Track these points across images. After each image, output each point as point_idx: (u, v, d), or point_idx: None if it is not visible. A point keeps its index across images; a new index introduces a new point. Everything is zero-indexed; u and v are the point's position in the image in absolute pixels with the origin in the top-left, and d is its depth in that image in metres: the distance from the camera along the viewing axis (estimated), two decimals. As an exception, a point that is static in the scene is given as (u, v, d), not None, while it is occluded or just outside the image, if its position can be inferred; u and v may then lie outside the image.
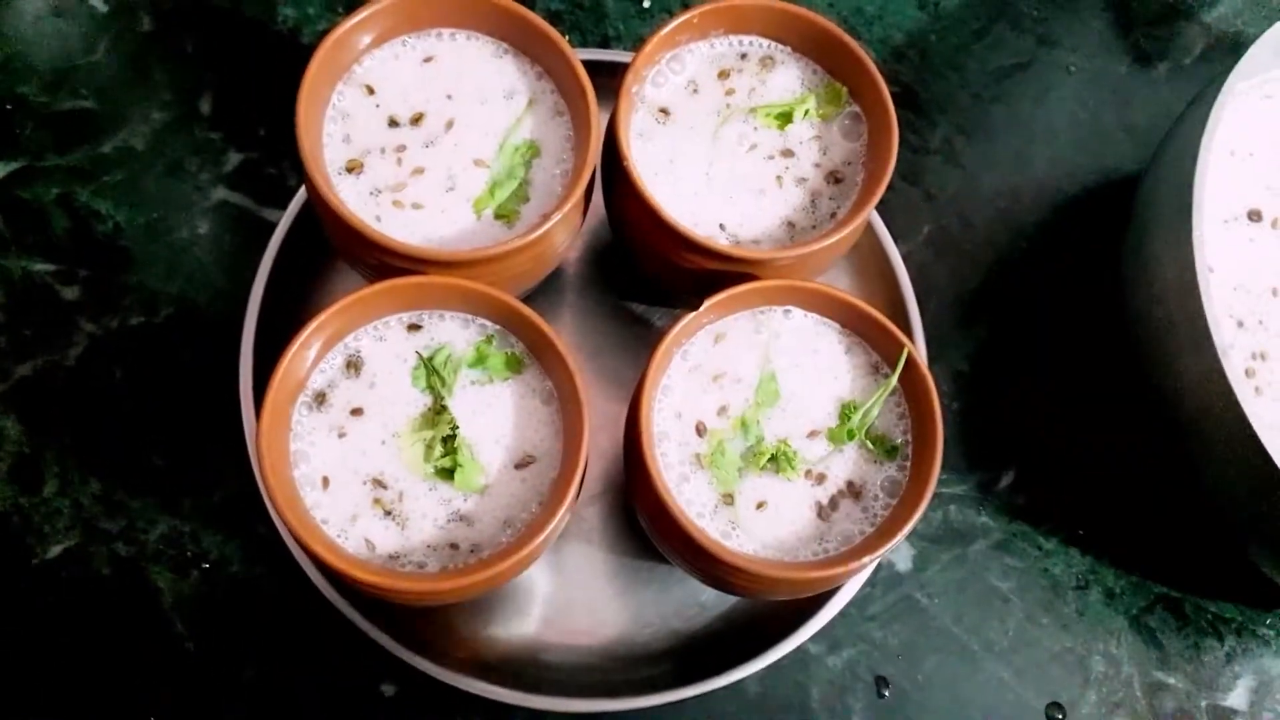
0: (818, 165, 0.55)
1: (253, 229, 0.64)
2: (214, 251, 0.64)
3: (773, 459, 0.51)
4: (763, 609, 0.59)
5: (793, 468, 0.51)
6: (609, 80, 0.56)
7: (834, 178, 0.55)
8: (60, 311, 0.62)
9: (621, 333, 0.64)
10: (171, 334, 0.62)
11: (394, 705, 0.58)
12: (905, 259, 0.64)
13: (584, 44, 0.71)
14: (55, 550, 0.58)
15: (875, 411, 0.52)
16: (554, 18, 0.71)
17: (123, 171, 0.65)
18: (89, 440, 0.60)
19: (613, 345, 0.64)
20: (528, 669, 0.58)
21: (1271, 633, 0.63)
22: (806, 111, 0.55)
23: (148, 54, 0.68)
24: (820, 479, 0.51)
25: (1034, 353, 0.68)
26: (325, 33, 0.51)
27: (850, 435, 0.52)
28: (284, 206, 0.61)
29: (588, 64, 0.53)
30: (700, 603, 0.60)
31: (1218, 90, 0.57)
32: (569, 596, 0.60)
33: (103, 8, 0.68)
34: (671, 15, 0.71)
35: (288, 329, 0.60)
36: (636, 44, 0.71)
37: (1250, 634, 0.63)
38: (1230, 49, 0.77)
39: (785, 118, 0.55)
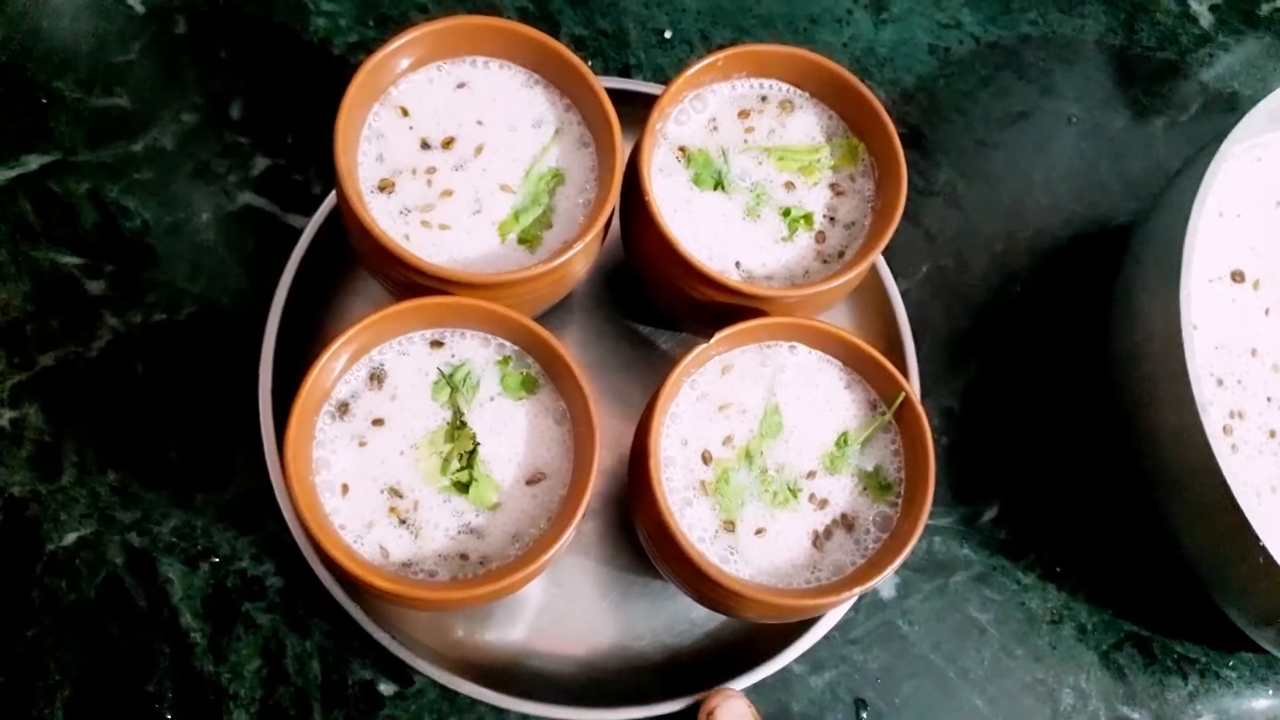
0: (830, 213, 0.57)
1: (276, 233, 0.66)
2: (237, 253, 0.66)
3: (774, 489, 0.53)
4: (751, 629, 0.62)
5: (795, 498, 0.53)
6: (628, 109, 0.58)
7: (845, 222, 0.57)
8: (85, 304, 0.64)
9: (628, 353, 0.66)
10: (193, 332, 0.64)
11: (391, 703, 0.60)
12: (903, 296, 0.66)
13: (605, 71, 0.73)
14: (70, 538, 0.60)
15: (869, 440, 0.55)
16: (577, 43, 0.73)
17: (152, 170, 0.66)
18: (108, 432, 0.62)
19: (618, 365, 0.66)
20: (522, 674, 0.60)
21: (1233, 674, 0.66)
22: (820, 160, 0.57)
23: (181, 56, 0.69)
24: (817, 511, 0.54)
25: (1021, 394, 0.70)
26: (366, 55, 0.53)
27: (846, 465, 0.54)
28: (308, 213, 0.63)
29: (608, 92, 0.55)
30: (691, 619, 0.63)
31: (1212, 153, 0.59)
32: (565, 607, 0.62)
33: (139, 8, 0.70)
34: (691, 47, 0.75)
35: (308, 332, 0.63)
36: (656, 73, 0.74)
37: (1213, 675, 0.66)
38: (1225, 108, 0.80)
39: (800, 164, 0.57)
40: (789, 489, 0.54)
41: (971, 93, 0.77)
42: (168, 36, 0.70)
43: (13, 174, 0.66)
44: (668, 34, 0.75)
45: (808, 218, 0.57)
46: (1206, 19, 0.82)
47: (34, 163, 0.66)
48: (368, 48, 0.71)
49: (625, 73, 0.73)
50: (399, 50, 0.54)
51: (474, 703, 0.59)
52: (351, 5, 0.72)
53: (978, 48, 0.78)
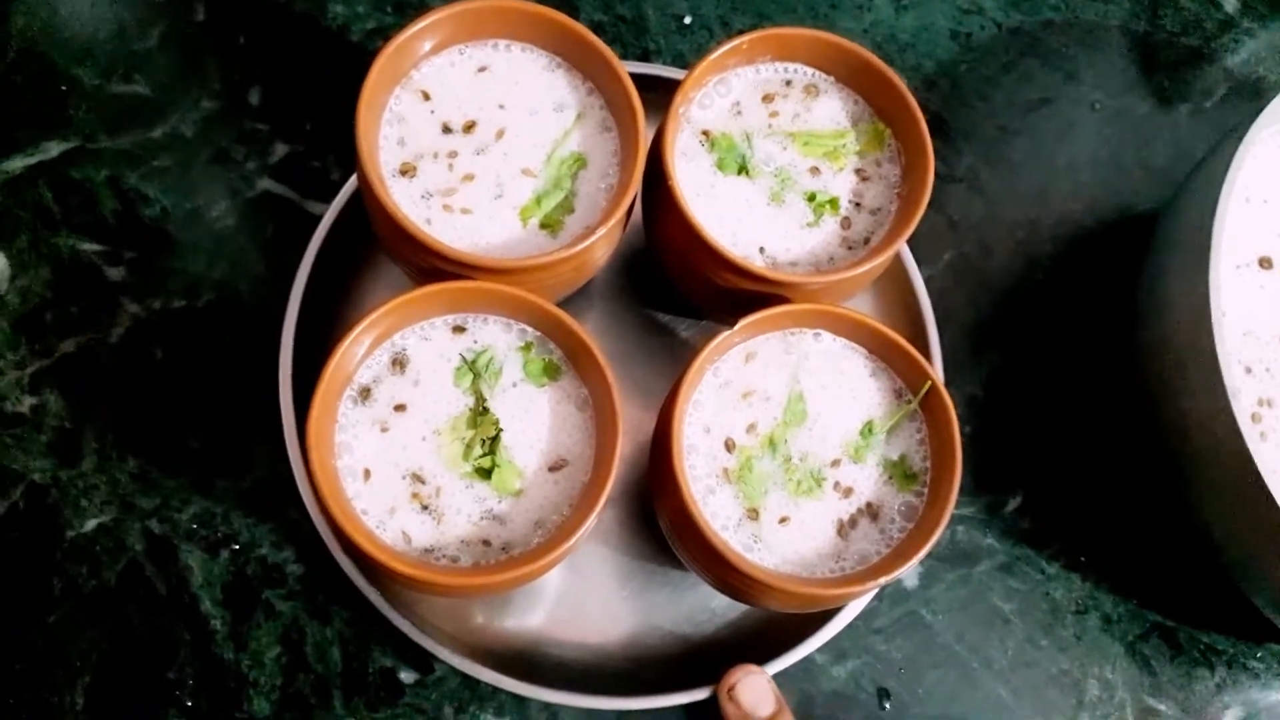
0: (855, 199, 0.57)
1: (295, 220, 0.66)
2: (256, 240, 0.66)
3: (797, 478, 0.53)
4: (772, 619, 0.61)
5: (819, 486, 0.53)
6: (649, 94, 0.58)
7: (870, 208, 0.57)
8: (105, 291, 0.64)
9: (647, 340, 0.66)
10: (212, 318, 0.64)
11: (412, 691, 0.60)
12: (926, 283, 0.66)
13: (624, 57, 0.72)
14: (90, 524, 0.60)
15: (894, 428, 0.54)
16: (596, 28, 0.73)
17: (171, 157, 0.66)
18: (128, 418, 0.62)
19: (638, 352, 0.66)
20: (540, 663, 0.60)
21: (1261, 665, 0.66)
22: (846, 145, 0.57)
23: (200, 43, 0.69)
24: (841, 500, 0.53)
25: (1046, 382, 0.70)
26: (387, 38, 0.53)
27: (871, 454, 0.54)
28: (326, 199, 0.63)
29: (630, 77, 0.54)
30: (711, 609, 0.62)
31: (1239, 138, 0.58)
32: (583, 595, 0.62)
33: (158, -5, 0.70)
34: (711, 33, 0.74)
35: (327, 319, 0.62)
36: (675, 59, 0.73)
37: (1240, 666, 0.65)
38: (1250, 94, 0.79)
39: (825, 150, 0.56)
40: (813, 477, 0.53)
41: (994, 78, 0.76)
42: (187, 24, 0.70)
43: (33, 161, 0.66)
44: (687, 20, 0.74)
45: (833, 203, 0.56)
46: (1231, 4, 0.81)
47: (54, 150, 0.66)
48: (386, 34, 0.70)
49: (644, 58, 0.73)
50: (421, 33, 0.53)
51: (495, 691, 0.59)
52: (370, -9, 0.72)
53: (1000, 33, 0.78)
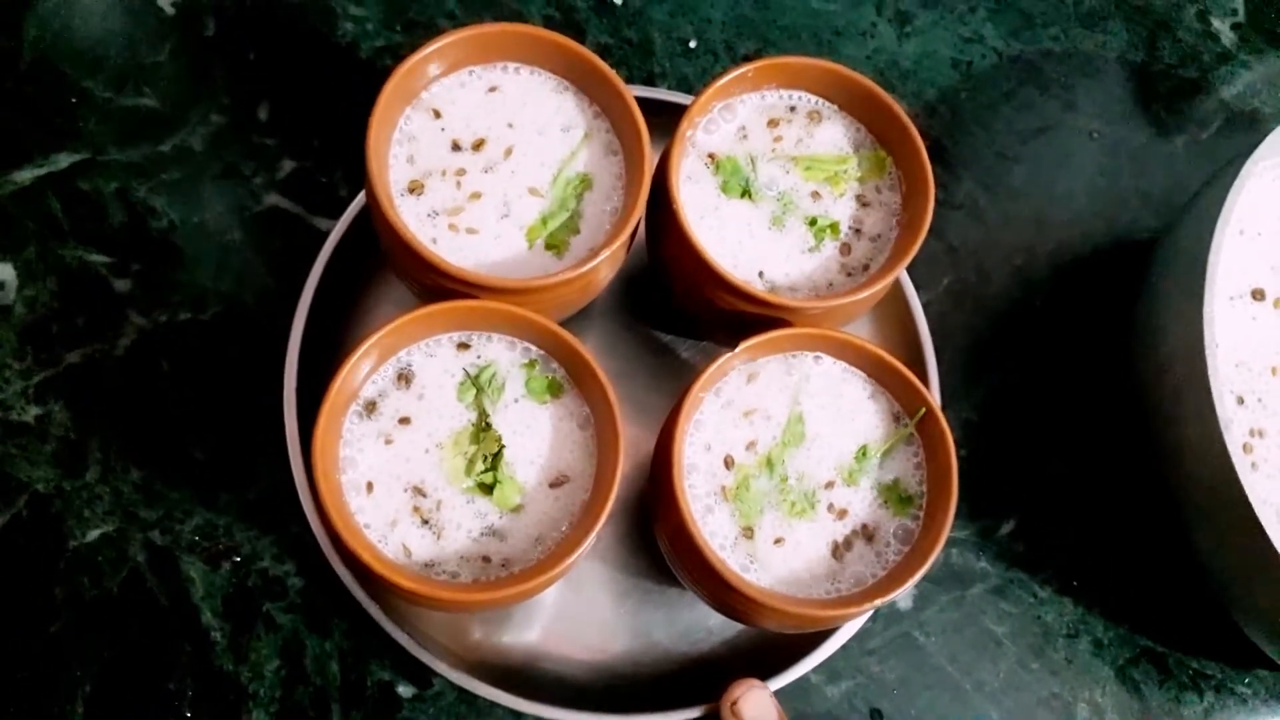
0: (856, 225, 0.57)
1: (302, 235, 0.66)
2: (263, 254, 0.66)
3: (791, 499, 0.54)
4: (768, 638, 0.62)
5: (812, 508, 0.54)
6: (654, 118, 0.58)
7: (870, 234, 0.57)
8: (112, 303, 0.64)
9: (648, 359, 0.67)
10: (218, 331, 0.64)
11: (409, 705, 0.60)
12: (925, 307, 0.66)
13: (630, 79, 0.73)
14: (93, 535, 0.60)
15: (890, 452, 0.55)
16: (603, 51, 0.74)
17: (180, 170, 0.67)
18: (132, 430, 0.62)
19: (638, 370, 0.66)
20: (539, 678, 0.60)
21: (1249, 691, 0.66)
22: (847, 171, 0.58)
23: (210, 58, 0.70)
24: (837, 521, 0.54)
25: (1041, 407, 0.70)
26: (396, 56, 0.54)
27: (865, 477, 0.54)
28: (334, 215, 0.64)
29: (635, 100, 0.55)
30: (707, 627, 0.63)
31: (1236, 171, 0.59)
32: (580, 612, 0.62)
33: (169, 10, 0.70)
34: (716, 57, 0.75)
35: (332, 334, 0.63)
36: (680, 82, 0.74)
37: (1228, 691, 0.66)
38: (1246, 126, 0.80)
39: (827, 174, 0.57)
40: (806, 499, 0.54)
41: (993, 106, 0.77)
42: (197, 38, 0.70)
43: (42, 172, 0.66)
44: (692, 44, 0.75)
45: (834, 227, 0.57)
46: (1228, 37, 0.82)
47: (63, 161, 0.66)
48: (394, 52, 0.71)
49: (650, 82, 0.74)
50: (432, 55, 0.54)
51: (492, 705, 0.59)
52: (379, 10, 0.72)
53: (1000, 62, 0.79)
